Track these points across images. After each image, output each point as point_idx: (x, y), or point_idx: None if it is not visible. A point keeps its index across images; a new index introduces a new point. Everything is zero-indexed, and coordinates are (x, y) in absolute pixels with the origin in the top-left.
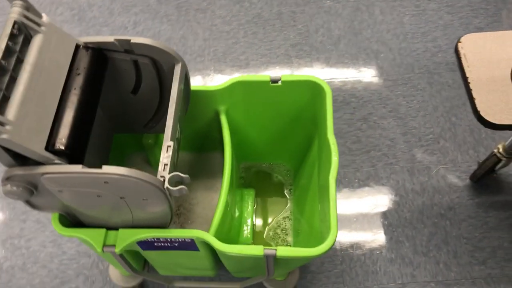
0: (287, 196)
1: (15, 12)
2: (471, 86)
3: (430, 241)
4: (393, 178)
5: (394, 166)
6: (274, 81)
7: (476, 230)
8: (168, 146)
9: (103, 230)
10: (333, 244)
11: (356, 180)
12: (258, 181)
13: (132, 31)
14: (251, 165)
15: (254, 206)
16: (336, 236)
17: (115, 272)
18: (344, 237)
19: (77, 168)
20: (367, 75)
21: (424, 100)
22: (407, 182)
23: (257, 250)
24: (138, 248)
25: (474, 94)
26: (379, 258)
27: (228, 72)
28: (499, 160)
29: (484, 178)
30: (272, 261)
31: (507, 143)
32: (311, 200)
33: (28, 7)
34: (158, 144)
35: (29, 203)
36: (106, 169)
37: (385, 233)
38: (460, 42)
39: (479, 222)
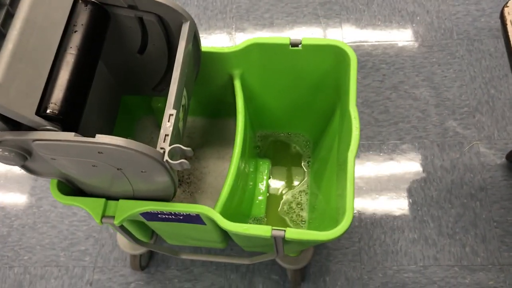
0: (305, 168)
1: None
2: None
3: (457, 223)
4: (421, 153)
5: (423, 140)
6: (294, 44)
7: (509, 213)
8: (170, 115)
9: (103, 200)
10: (347, 229)
11: (381, 153)
12: (274, 151)
13: None
14: (268, 134)
15: (269, 177)
16: (352, 220)
17: (123, 239)
18: (364, 213)
19: (69, 135)
20: (401, 39)
21: (461, 70)
22: (436, 158)
23: (264, 230)
24: (142, 219)
25: None
26: (400, 237)
27: (251, 31)
28: None
29: None
30: (281, 242)
31: None
32: (329, 174)
33: None
34: None
35: (25, 167)
36: (100, 138)
37: (409, 212)
38: (507, 6)
39: None
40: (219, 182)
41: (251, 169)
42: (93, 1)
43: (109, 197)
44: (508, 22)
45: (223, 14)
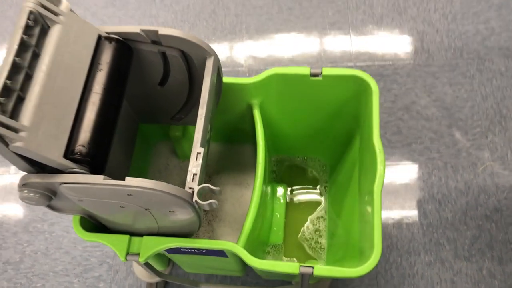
0: (322, 193)
1: (30, 1)
2: None
3: (473, 245)
4: (435, 175)
5: (437, 161)
6: (314, 74)
7: None
8: (198, 153)
9: (127, 237)
10: (377, 264)
11: (395, 175)
12: (291, 175)
13: (159, 4)
14: (283, 158)
15: (286, 203)
16: (380, 254)
17: (139, 267)
18: None
19: (99, 179)
20: (411, 59)
21: (472, 89)
22: (451, 179)
23: (292, 267)
24: (164, 252)
25: None
26: (416, 260)
27: (261, 52)
28: None
29: None
30: (308, 278)
31: None
32: (350, 202)
33: None
34: (185, 137)
35: (49, 206)
36: (130, 181)
37: (424, 234)
38: None
39: None
40: (236, 209)
41: (269, 194)
42: (117, 38)
43: (132, 233)
44: None
45: (233, 34)
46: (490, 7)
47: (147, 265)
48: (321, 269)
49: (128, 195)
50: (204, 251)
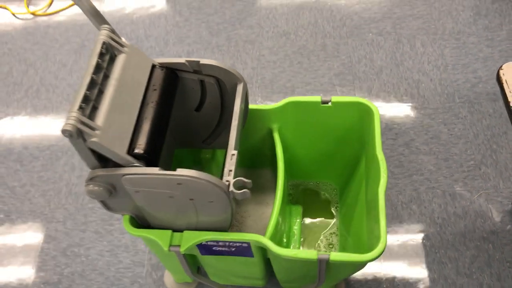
0: (334, 213)
1: (103, 34)
2: None
3: (473, 263)
4: (435, 202)
5: (436, 190)
6: (325, 102)
7: None
8: (232, 155)
9: (169, 232)
10: (383, 251)
11: (399, 203)
12: (305, 198)
13: None
14: (298, 183)
15: (302, 221)
16: (386, 243)
17: (170, 280)
18: (387, 257)
19: (155, 170)
20: (409, 103)
21: (465, 128)
22: (449, 205)
23: (311, 254)
24: (197, 253)
25: None
26: (422, 279)
27: (275, 98)
28: None
29: None
30: (325, 266)
31: None
32: (358, 217)
33: (113, 31)
34: (214, 159)
35: (104, 204)
36: (180, 171)
37: (428, 255)
38: (502, 69)
39: None
40: (258, 224)
41: (286, 215)
42: (167, 66)
43: (174, 229)
44: (504, 82)
45: (250, 84)
46: (477, 59)
47: (187, 263)
48: (337, 255)
49: (178, 184)
50: (233, 249)
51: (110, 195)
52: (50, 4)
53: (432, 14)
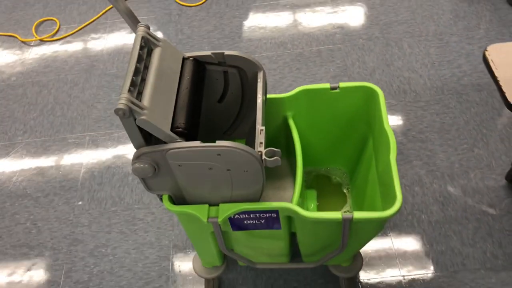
0: (346, 194)
1: (141, 31)
2: (500, 83)
3: (476, 234)
4: (435, 183)
5: (435, 173)
6: (333, 88)
7: None
8: (261, 130)
9: (206, 206)
10: (401, 206)
11: (403, 186)
12: (318, 183)
13: None
14: (311, 170)
15: (317, 204)
16: (402, 201)
17: (198, 265)
18: (396, 234)
19: (196, 143)
20: (402, 99)
21: (455, 117)
22: (449, 185)
23: (336, 214)
24: (229, 229)
25: (504, 88)
26: (430, 250)
27: None
28: None
29: None
30: (348, 227)
31: None
32: (370, 193)
33: (148, 27)
34: None
35: (145, 182)
36: (219, 143)
37: (434, 229)
38: (487, 50)
39: None
40: None
41: (301, 200)
42: (195, 59)
43: (210, 204)
44: (490, 61)
45: None
46: (460, 55)
47: (223, 237)
48: (360, 213)
49: (217, 154)
50: (263, 221)
51: (154, 173)
52: (57, 30)
53: (416, 19)
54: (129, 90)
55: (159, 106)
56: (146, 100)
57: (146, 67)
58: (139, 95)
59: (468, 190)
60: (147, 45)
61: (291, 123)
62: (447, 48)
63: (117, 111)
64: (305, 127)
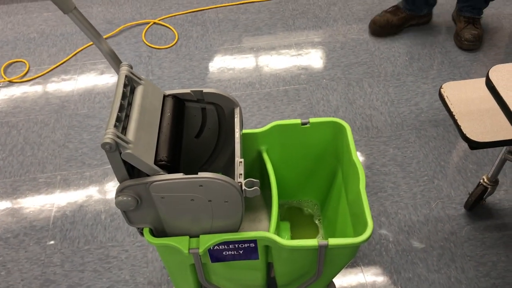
0: (318, 225)
1: (125, 70)
2: (456, 117)
3: (440, 261)
4: (400, 213)
5: (399, 203)
6: (304, 123)
7: (476, 249)
8: (240, 162)
9: (187, 237)
10: (372, 232)
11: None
12: (290, 215)
13: None
14: (283, 202)
15: (290, 236)
16: (373, 227)
17: None
18: (366, 263)
19: (179, 175)
20: (365, 133)
21: (415, 150)
22: (413, 215)
23: (312, 242)
24: (207, 261)
25: (459, 122)
26: (398, 278)
27: None
28: (486, 189)
29: (476, 206)
30: (324, 253)
31: (489, 173)
32: (341, 222)
33: (132, 67)
34: None
35: (127, 215)
36: (202, 174)
37: (401, 257)
38: (442, 88)
39: (478, 243)
40: None
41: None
42: (175, 96)
43: (190, 235)
44: (445, 97)
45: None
46: (416, 94)
47: (202, 269)
48: (335, 240)
49: (200, 186)
50: (241, 252)
51: (136, 206)
52: (27, 72)
53: (374, 60)
54: (115, 126)
55: (142, 140)
56: (130, 134)
57: (130, 104)
58: (124, 130)
59: (430, 219)
60: (130, 83)
61: (265, 157)
62: (404, 87)
63: (103, 145)
64: (278, 160)
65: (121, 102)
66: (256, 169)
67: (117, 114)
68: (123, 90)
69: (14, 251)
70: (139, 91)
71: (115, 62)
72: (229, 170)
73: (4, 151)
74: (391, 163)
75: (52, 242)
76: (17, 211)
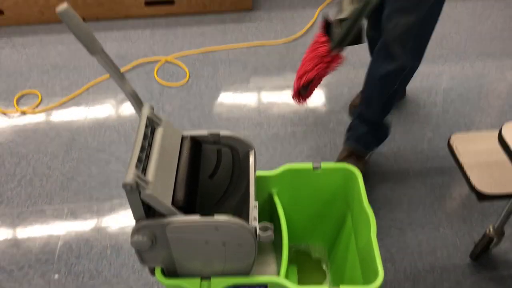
0: (325, 270)
1: (147, 111)
2: (465, 168)
3: None
4: (406, 260)
5: (405, 250)
6: (316, 168)
7: None
8: (255, 205)
9: (198, 279)
10: (382, 282)
11: None
12: (297, 258)
13: None
14: (291, 246)
15: (297, 282)
16: (383, 275)
17: None
18: None
19: (196, 217)
20: (372, 178)
21: (421, 197)
22: (418, 262)
23: (324, 287)
24: None
25: (468, 173)
26: None
27: None
28: (492, 239)
29: (482, 256)
30: None
31: (496, 224)
32: (349, 269)
33: (152, 108)
34: None
35: (140, 255)
36: (218, 217)
37: None
38: (451, 139)
39: None
40: None
41: None
42: (192, 137)
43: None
44: (455, 148)
45: None
46: (422, 141)
47: None
48: (346, 287)
49: (215, 228)
50: None
51: (150, 246)
52: (39, 103)
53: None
54: (136, 166)
55: (161, 181)
56: (150, 175)
57: (150, 145)
58: (144, 170)
59: (436, 267)
60: (150, 125)
61: (277, 200)
62: (411, 134)
63: (125, 185)
64: (288, 203)
65: (142, 143)
66: (266, 210)
67: (139, 155)
68: (145, 131)
69: (18, 284)
70: (159, 132)
71: (137, 103)
72: (240, 210)
73: (13, 181)
74: (397, 209)
75: (56, 276)
76: (23, 243)
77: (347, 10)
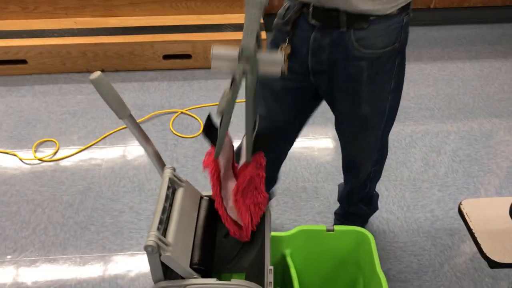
0: None
1: (169, 173)
2: (476, 235)
3: None
4: None
5: None
6: (329, 230)
7: None
8: (270, 269)
9: None
10: None
11: None
12: None
13: None
14: None
15: None
16: None
17: None
18: None
19: (213, 281)
20: (382, 237)
21: (431, 258)
22: None
23: None
24: None
25: (479, 241)
26: None
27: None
28: None
29: None
30: None
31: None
32: None
33: (175, 170)
34: None
35: None
36: (235, 281)
37: None
38: (462, 204)
39: None
40: None
41: None
42: (210, 198)
43: None
44: (465, 214)
45: None
46: (431, 201)
47: None
48: None
49: None
50: None
51: None
52: (56, 151)
53: (391, 164)
54: (158, 228)
55: (180, 242)
56: (170, 237)
57: (170, 205)
58: (164, 231)
59: None
60: (172, 186)
61: (290, 261)
62: (420, 193)
63: (146, 247)
64: (300, 265)
65: (164, 205)
66: (278, 271)
67: (160, 217)
68: (166, 193)
69: None
70: (179, 193)
71: (159, 164)
72: (252, 270)
73: (28, 229)
74: (407, 270)
75: None
76: None
77: (221, 104)
